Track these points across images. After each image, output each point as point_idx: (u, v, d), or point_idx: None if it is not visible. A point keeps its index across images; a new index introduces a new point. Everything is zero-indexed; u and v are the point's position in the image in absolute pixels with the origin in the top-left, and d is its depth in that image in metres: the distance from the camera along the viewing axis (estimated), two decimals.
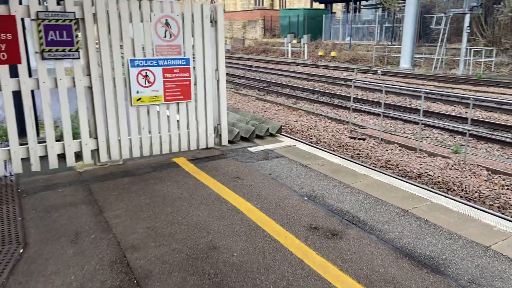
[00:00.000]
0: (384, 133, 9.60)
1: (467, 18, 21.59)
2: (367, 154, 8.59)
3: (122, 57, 4.85)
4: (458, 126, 9.46)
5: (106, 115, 4.91)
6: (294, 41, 34.29)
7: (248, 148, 5.62)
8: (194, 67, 5.31)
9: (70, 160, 4.85)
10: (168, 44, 5.06)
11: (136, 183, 4.45)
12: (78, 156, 4.98)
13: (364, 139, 9.67)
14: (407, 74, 21.98)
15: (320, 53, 30.90)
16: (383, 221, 3.41)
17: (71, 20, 4.56)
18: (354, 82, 11.10)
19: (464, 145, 9.24)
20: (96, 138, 4.93)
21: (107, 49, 4.76)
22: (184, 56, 5.19)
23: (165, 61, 5.06)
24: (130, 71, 4.91)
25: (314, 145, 7.85)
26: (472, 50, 22.17)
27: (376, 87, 16.22)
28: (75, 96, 4.76)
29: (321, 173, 4.61)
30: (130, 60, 4.88)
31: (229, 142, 5.80)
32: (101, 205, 3.90)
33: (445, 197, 3.98)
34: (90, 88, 4.79)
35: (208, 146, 5.61)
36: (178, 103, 5.28)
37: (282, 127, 8.11)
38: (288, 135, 6.40)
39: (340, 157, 5.37)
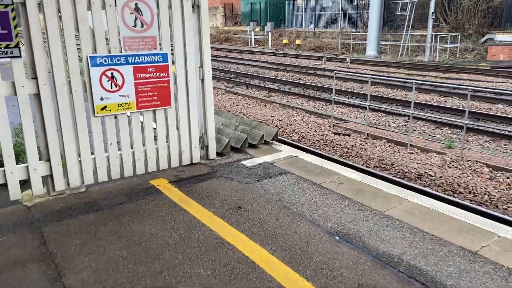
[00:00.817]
0: (369, 127, 8.91)
1: (432, 4, 21.33)
2: (357, 152, 7.86)
3: (80, 54, 3.69)
4: (454, 119, 8.86)
5: (61, 130, 3.75)
6: (257, 29, 33.21)
7: (242, 162, 4.61)
8: (173, 64, 4.22)
9: (14, 191, 3.67)
10: (139, 35, 3.93)
11: (105, 222, 3.36)
12: (26, 181, 3.82)
13: (349, 135, 8.96)
14: (376, 62, 21.58)
15: (284, 41, 30.05)
16: (454, 274, 2.54)
17: (6, 6, 3.36)
18: (335, 73, 10.30)
19: (454, 138, 8.72)
20: (49, 160, 3.77)
21: (59, 43, 3.58)
22: (161, 50, 4.08)
23: (137, 57, 3.94)
24: (91, 72, 3.76)
25: (319, 152, 7.01)
26: (438, 36, 22.01)
27: (354, 77, 15.53)
28: (18, 107, 3.57)
29: (342, 196, 3.70)
30: (90, 57, 3.73)
31: (218, 154, 4.77)
32: (60, 262, 2.80)
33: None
34: (37, 95, 3.61)
35: (192, 162, 4.55)
36: (154, 110, 4.18)
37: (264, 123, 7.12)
38: (285, 139, 5.45)
39: (356, 167, 4.49)
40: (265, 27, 31.22)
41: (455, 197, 5.98)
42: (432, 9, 21.31)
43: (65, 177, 3.88)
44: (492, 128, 8.91)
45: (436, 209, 3.39)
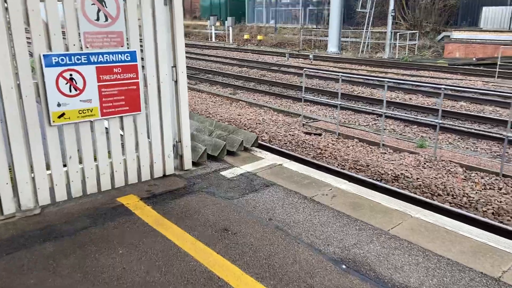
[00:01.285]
0: (340, 126, 8.71)
1: (391, 1, 21.59)
2: (331, 153, 7.62)
3: (31, 53, 3.09)
4: (427, 119, 8.81)
5: (9, 143, 3.14)
6: (217, 23, 32.57)
7: (221, 173, 4.14)
8: (142, 65, 3.68)
9: None
10: (103, 30, 3.37)
11: (67, 253, 2.80)
12: None
13: (320, 134, 8.74)
14: (338, 59, 21.62)
15: (246, 36, 29.66)
16: None
17: None
18: (305, 71, 10.03)
19: (424, 136, 8.68)
20: None
21: (5, 40, 2.97)
22: (128, 48, 3.53)
23: (100, 56, 3.38)
24: (46, 73, 3.16)
25: (302, 158, 6.65)
26: (398, 34, 22.34)
27: (322, 75, 15.32)
28: None
29: (339, 212, 3.33)
30: (45, 56, 3.13)
31: (193, 164, 4.27)
32: None
33: None
34: None
35: (166, 174, 4.03)
36: (121, 116, 3.63)
37: (234, 124, 6.54)
38: (265, 144, 5.02)
39: (347, 175, 4.15)
40: (226, 22, 30.66)
41: (433, 199, 5.83)
42: (391, 7, 21.57)
43: (15, 197, 3.27)
44: (459, 126, 8.93)
45: (443, 226, 3.10)
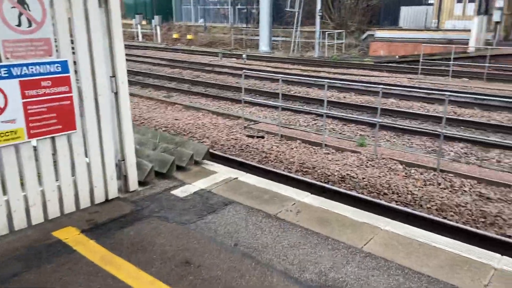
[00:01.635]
0: (282, 127, 8.63)
1: (319, 1, 22.10)
2: (276, 156, 7.51)
3: None
4: (367, 118, 8.99)
5: None
6: (143, 22, 31.33)
7: (172, 192, 3.73)
8: (76, 76, 3.18)
9: None
10: (26, 37, 2.83)
11: None
12: None
13: (263, 137, 8.59)
14: (270, 58, 21.71)
15: (175, 35, 28.84)
16: None
17: None
18: (244, 72, 9.82)
19: (363, 134, 8.86)
20: None
21: None
22: (58, 57, 3.02)
23: (24, 68, 2.84)
24: None
25: (257, 165, 6.39)
26: (326, 33, 22.92)
27: (262, 76, 15.11)
28: None
29: (308, 230, 3.10)
30: None
31: (139, 183, 3.82)
32: None
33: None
34: None
35: (108, 198, 3.55)
36: (53, 137, 3.11)
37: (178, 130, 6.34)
38: (216, 152, 4.68)
39: (308, 182, 3.95)
40: (152, 20, 29.58)
41: (380, 198, 5.89)
42: (319, 6, 22.06)
43: None
44: (397, 124, 9.21)
45: (415, 238, 2.99)
